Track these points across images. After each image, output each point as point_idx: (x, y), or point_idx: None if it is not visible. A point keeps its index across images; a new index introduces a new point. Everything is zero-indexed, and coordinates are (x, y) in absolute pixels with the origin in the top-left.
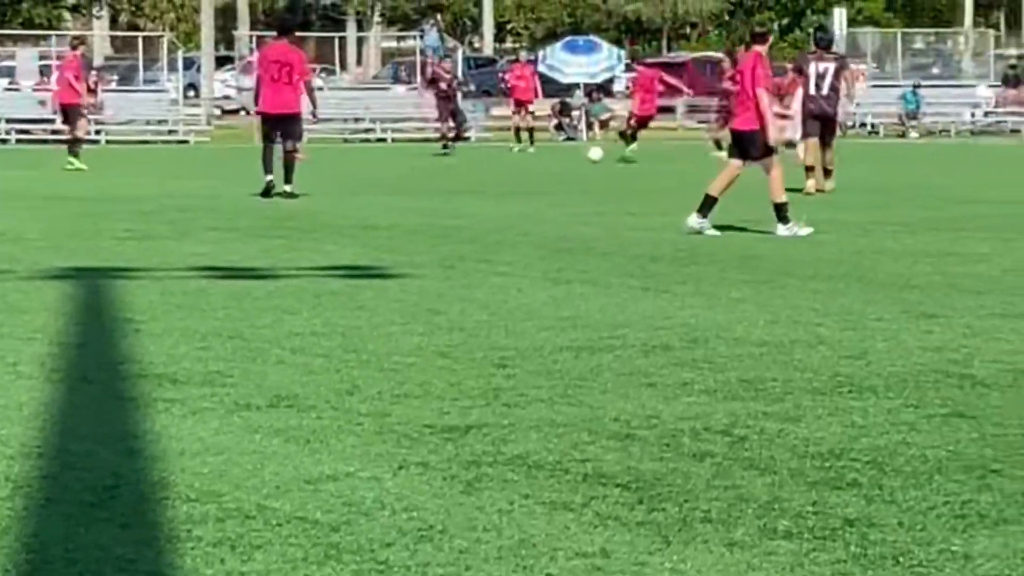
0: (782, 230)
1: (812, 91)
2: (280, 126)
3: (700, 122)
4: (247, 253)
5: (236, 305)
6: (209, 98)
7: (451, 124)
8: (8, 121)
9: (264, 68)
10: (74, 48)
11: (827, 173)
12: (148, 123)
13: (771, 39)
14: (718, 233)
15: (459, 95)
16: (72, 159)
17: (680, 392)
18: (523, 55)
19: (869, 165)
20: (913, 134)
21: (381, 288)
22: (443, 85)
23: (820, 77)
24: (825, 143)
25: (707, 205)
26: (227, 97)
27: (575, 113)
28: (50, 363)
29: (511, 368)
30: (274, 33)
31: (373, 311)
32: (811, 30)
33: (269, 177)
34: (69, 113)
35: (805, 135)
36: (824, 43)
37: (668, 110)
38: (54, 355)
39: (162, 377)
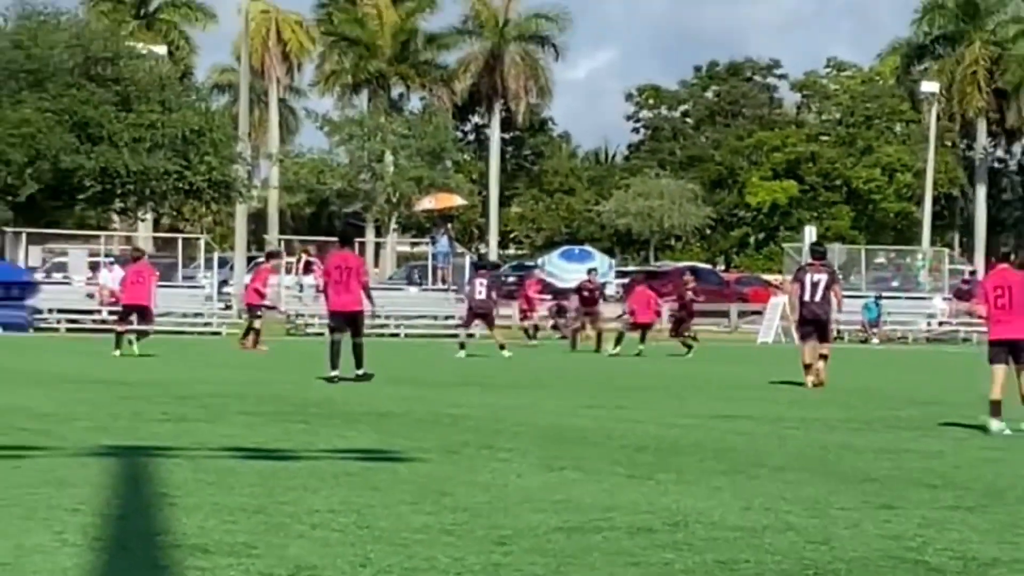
0: None
1: (807, 298)
2: (349, 322)
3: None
4: (272, 436)
5: (262, 483)
6: (240, 294)
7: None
8: (60, 311)
9: (329, 272)
10: (137, 259)
11: (823, 357)
12: (185, 315)
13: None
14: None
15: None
16: (134, 347)
17: (662, 572)
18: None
19: (834, 368)
20: (874, 340)
21: (393, 470)
22: (585, 293)
23: (814, 286)
24: (821, 341)
25: (996, 410)
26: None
27: (570, 315)
28: (93, 532)
29: (509, 546)
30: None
31: (385, 491)
32: (784, 245)
33: (335, 373)
34: (146, 312)
35: (803, 337)
36: (819, 255)
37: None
38: (96, 525)
39: (194, 547)
